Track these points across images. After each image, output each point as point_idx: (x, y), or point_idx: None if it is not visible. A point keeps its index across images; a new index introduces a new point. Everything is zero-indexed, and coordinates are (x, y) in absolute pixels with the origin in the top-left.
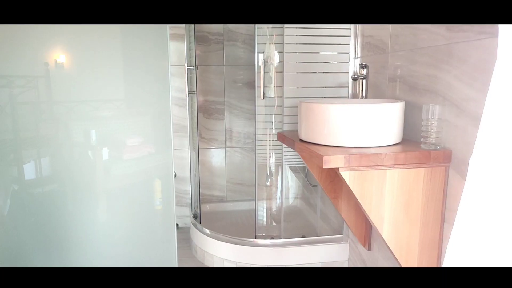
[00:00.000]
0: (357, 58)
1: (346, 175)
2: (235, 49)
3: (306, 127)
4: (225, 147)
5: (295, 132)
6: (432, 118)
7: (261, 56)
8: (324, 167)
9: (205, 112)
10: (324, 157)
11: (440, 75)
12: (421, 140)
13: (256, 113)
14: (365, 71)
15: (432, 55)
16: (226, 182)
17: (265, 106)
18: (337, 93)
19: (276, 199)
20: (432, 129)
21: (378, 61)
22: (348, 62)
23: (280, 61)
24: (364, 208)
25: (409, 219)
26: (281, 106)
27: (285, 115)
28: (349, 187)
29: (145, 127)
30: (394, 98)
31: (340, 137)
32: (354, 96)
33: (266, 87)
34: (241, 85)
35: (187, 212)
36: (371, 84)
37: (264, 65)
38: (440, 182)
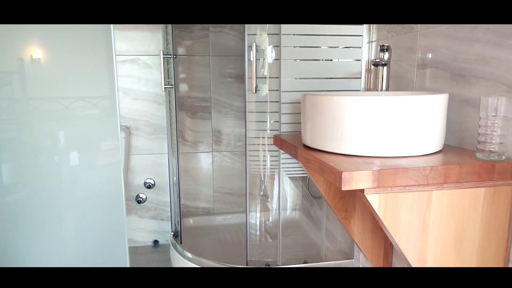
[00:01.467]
0: (372, 42)
1: (374, 199)
2: (223, 37)
3: (313, 129)
4: (212, 151)
5: (297, 134)
6: (495, 116)
7: (252, 40)
8: (344, 188)
9: (188, 110)
10: (343, 173)
11: (502, 55)
12: (477, 147)
13: (246, 111)
14: (386, 55)
15: (491, 27)
16: (214, 192)
17: (257, 102)
18: (346, 85)
19: (272, 211)
20: (495, 131)
21: (402, 44)
22: (361, 47)
23: (276, 46)
24: (399, 245)
25: (461, 259)
26: (277, 102)
27: (283, 113)
28: (376, 214)
29: (89, 131)
30: (426, 90)
31: (361, 143)
32: (369, 89)
33: (260, 78)
34: (230, 79)
35: (168, 227)
36: (392, 74)
37: (257, 51)
38: (506, 206)
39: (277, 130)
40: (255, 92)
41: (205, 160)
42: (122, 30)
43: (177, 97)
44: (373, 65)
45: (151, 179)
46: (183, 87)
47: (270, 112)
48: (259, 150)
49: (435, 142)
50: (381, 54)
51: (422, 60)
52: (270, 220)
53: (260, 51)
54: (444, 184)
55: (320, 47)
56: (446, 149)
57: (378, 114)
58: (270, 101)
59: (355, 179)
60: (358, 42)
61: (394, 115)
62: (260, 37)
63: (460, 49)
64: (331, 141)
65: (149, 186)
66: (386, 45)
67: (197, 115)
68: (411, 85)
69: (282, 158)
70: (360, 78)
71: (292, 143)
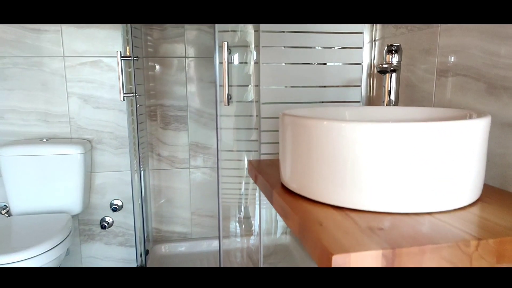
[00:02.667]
0: (375, 40)
1: None
2: (201, 36)
3: (294, 165)
4: (189, 167)
5: (276, 160)
6: None
7: (225, 37)
8: None
9: (161, 120)
10: (334, 257)
11: None
12: None
13: (218, 126)
14: (395, 58)
15: None
16: (191, 215)
17: (237, 116)
18: (343, 95)
19: (253, 235)
20: None
21: (416, 43)
22: (361, 48)
23: (255, 46)
24: None
25: None
26: (252, 116)
27: (264, 131)
28: None
29: None
30: (448, 106)
31: (364, 192)
32: (371, 102)
33: (241, 86)
34: (210, 85)
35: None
36: (402, 82)
37: (229, 52)
38: None
39: (256, 151)
40: (228, 103)
41: (181, 178)
42: (80, 27)
43: (138, 106)
44: (379, 72)
45: (118, 200)
46: (155, 95)
47: (254, 128)
48: (240, 174)
49: (472, 189)
50: (389, 56)
51: (443, 65)
52: (252, 245)
53: (240, 51)
54: (497, 265)
55: (311, 47)
56: (485, 196)
57: (390, 149)
58: (247, 115)
59: (354, 262)
60: (358, 41)
61: (414, 150)
62: (243, 33)
63: (502, 51)
64: (320, 187)
65: (115, 209)
66: (395, 45)
67: (171, 126)
68: (428, 97)
69: None
70: (360, 86)
71: (268, 181)
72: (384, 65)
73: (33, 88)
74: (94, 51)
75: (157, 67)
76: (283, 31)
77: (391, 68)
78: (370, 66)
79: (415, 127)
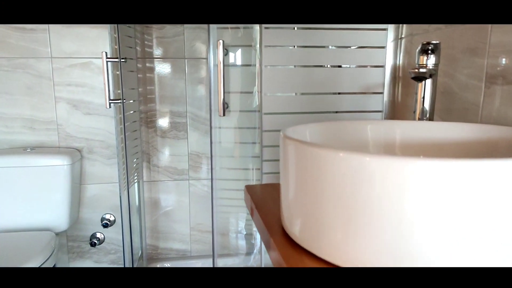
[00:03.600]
0: (402, 38)
1: None
2: (201, 34)
3: (299, 207)
4: (189, 179)
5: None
6: None
7: (226, 34)
8: None
9: (158, 127)
10: None
11: None
12: None
13: (212, 141)
14: (432, 60)
15: None
16: (191, 230)
17: (239, 128)
18: (361, 104)
19: (254, 254)
20: None
21: (457, 41)
22: (384, 47)
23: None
24: None
25: None
26: (256, 128)
27: (265, 146)
28: None
29: None
30: (501, 123)
31: (400, 257)
32: (396, 112)
33: (244, 93)
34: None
35: None
36: (438, 89)
37: (226, 53)
38: None
39: (258, 168)
40: (223, 114)
41: (179, 190)
42: (70, 26)
43: (132, 112)
44: (413, 78)
45: (110, 214)
46: (151, 99)
47: (258, 143)
48: (240, 196)
49: None
50: (423, 58)
51: (495, 69)
52: (254, 262)
53: (243, 50)
54: None
55: (323, 46)
56: None
57: (441, 197)
58: (250, 127)
59: None
60: (381, 39)
61: (484, 199)
62: (247, 29)
63: None
64: (333, 243)
65: (106, 224)
66: (433, 43)
67: (169, 134)
68: (472, 109)
69: None
70: (382, 93)
71: (265, 220)
72: (421, 70)
73: (17, 92)
74: (85, 52)
75: (155, 69)
76: (294, 28)
77: (430, 74)
78: (394, 69)
79: (490, 165)
